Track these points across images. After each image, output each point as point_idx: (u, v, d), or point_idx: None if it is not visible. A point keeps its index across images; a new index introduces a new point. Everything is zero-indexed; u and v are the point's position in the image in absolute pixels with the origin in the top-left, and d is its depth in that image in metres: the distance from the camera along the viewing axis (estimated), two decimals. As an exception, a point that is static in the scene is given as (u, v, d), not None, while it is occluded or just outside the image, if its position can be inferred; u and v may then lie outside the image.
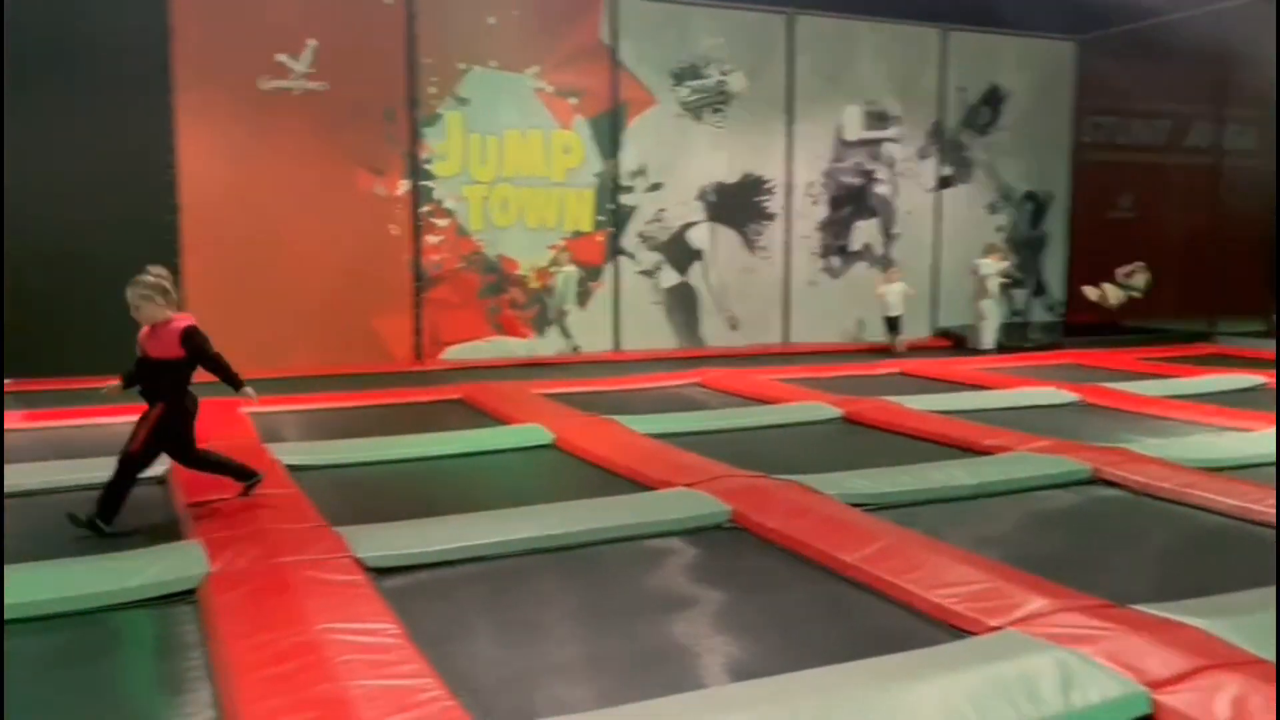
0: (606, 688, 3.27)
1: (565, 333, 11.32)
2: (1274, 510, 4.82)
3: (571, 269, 11.44)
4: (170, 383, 5.05)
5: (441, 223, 11.12)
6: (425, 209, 11.00)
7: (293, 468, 5.81)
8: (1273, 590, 3.61)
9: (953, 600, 3.69)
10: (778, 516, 4.73)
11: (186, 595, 3.88)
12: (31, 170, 9.48)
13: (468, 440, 6.83)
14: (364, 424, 7.54)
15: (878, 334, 12.68)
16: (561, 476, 6.13)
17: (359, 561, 4.05)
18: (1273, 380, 9.12)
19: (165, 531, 4.77)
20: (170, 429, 4.99)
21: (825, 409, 7.83)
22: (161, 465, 5.79)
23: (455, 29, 10.92)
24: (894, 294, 12.32)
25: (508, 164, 11.35)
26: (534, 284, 11.26)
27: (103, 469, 5.82)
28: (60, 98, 9.49)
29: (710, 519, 4.87)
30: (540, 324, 11.58)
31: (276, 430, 7.23)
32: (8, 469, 5.84)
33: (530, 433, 6.95)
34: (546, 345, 11.52)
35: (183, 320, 5.09)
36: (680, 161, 12.16)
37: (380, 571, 4.07)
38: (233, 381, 5.17)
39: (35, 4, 9.41)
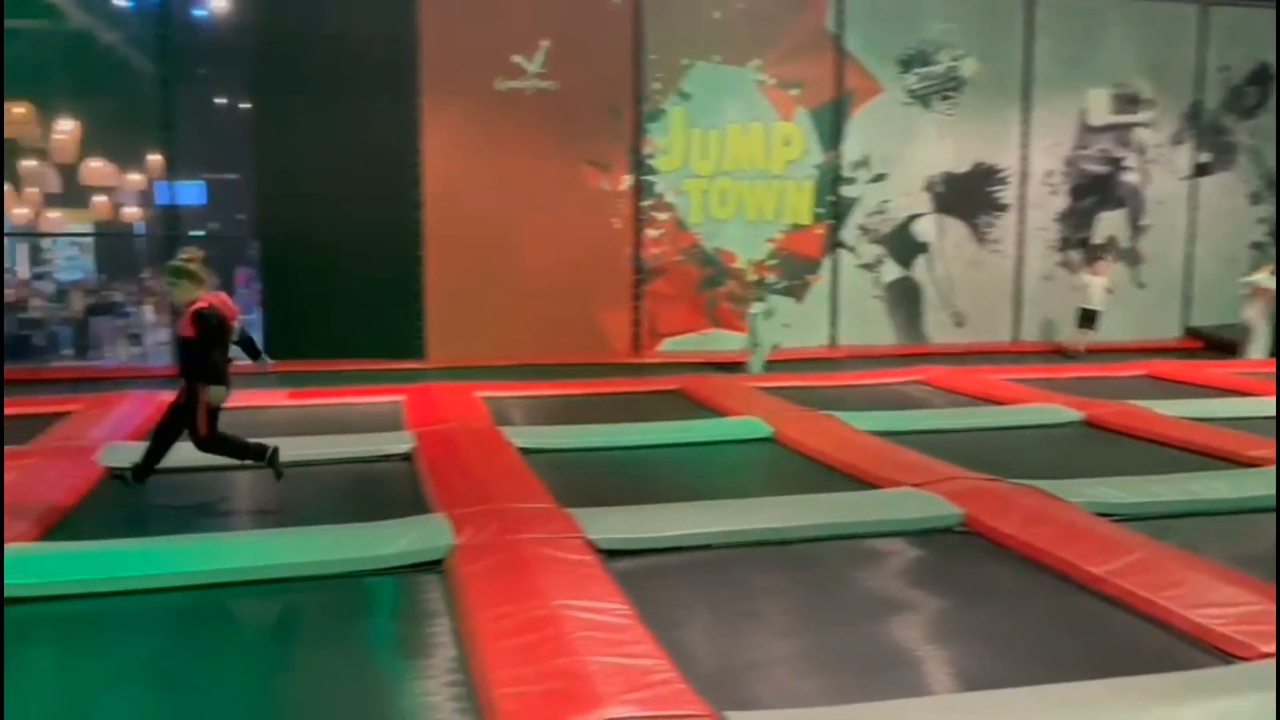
0: (833, 684, 3.23)
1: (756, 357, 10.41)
2: None
3: (767, 306, 10.57)
4: (191, 361, 5.13)
5: (662, 216, 11.29)
6: (647, 203, 11.21)
7: (523, 450, 6.06)
8: None
9: (1219, 622, 3.40)
10: (1015, 522, 4.51)
11: (432, 565, 4.13)
12: (290, 169, 10.38)
13: (687, 431, 6.92)
14: (586, 411, 7.78)
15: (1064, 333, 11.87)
16: (781, 470, 6.10)
17: (590, 543, 4.18)
18: None
19: (412, 504, 5.10)
20: (189, 410, 5.15)
21: (1063, 412, 7.38)
22: (407, 442, 6.23)
23: (680, 25, 11.05)
24: (1097, 287, 11.45)
25: (728, 157, 11.38)
26: (751, 277, 11.22)
27: (355, 444, 6.35)
28: (317, 102, 10.30)
29: (940, 521, 4.70)
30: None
31: (506, 414, 7.57)
32: (272, 441, 6.41)
33: (749, 426, 6.95)
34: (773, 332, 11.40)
35: (201, 301, 5.11)
36: (906, 151, 11.79)
37: (609, 553, 4.19)
38: (211, 377, 5.12)
39: (294, 15, 10.28)
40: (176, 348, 5.16)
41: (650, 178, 11.19)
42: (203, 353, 5.04)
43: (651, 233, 11.26)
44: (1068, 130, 12.22)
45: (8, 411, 7.33)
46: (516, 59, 10.67)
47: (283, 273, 10.62)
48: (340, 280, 10.32)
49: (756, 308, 10.43)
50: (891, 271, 11.95)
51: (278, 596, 4.00)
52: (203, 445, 5.23)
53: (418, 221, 10.59)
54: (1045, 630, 3.67)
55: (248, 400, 8.05)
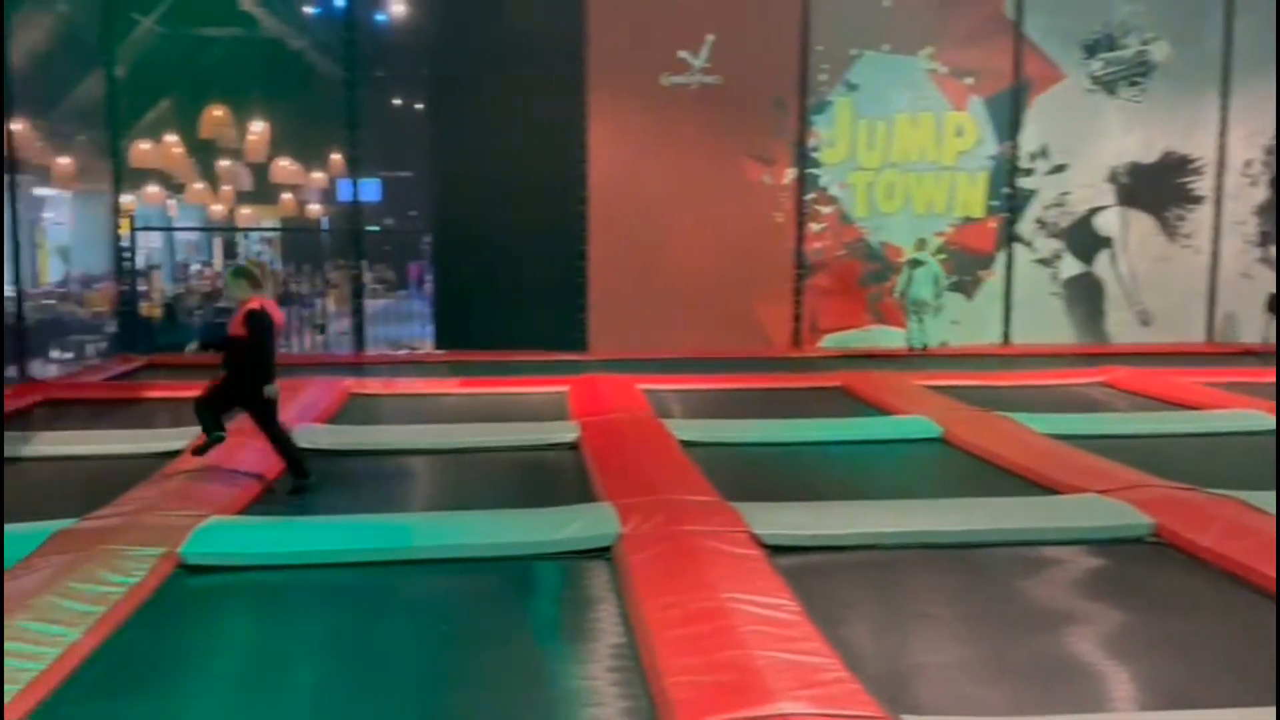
0: (1011, 694, 3.09)
1: (915, 330, 10.50)
2: None
3: (927, 262, 10.48)
4: (236, 358, 5.20)
5: (825, 210, 11.11)
6: (810, 196, 11.05)
7: (685, 443, 6.07)
8: None
9: None
10: (1214, 535, 4.20)
11: (599, 552, 4.19)
12: (463, 166, 10.74)
13: (852, 428, 6.77)
14: (747, 406, 7.74)
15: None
16: (952, 472, 5.89)
17: (755, 537, 4.15)
18: None
19: (578, 492, 5.20)
20: (228, 393, 5.22)
21: (1266, 419, 6.83)
22: (573, 431, 6.35)
23: (849, 14, 10.84)
24: None
25: (896, 149, 11.09)
26: (926, 241, 10.87)
27: (523, 432, 6.51)
28: (489, 101, 10.62)
29: (1128, 531, 4.43)
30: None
31: (667, 407, 7.61)
32: (447, 427, 6.67)
33: (917, 425, 6.75)
34: (928, 336, 11.11)
35: (253, 303, 5.19)
36: (1088, 141, 11.18)
37: (774, 549, 4.14)
38: (265, 375, 5.18)
39: (469, 19, 10.62)
40: (228, 344, 5.27)
41: (814, 171, 11.03)
42: (259, 352, 5.14)
43: (814, 226, 11.09)
44: (1270, 116, 11.31)
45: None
46: (682, 54, 10.71)
47: (454, 266, 11.04)
48: (507, 273, 10.63)
49: (919, 255, 10.20)
50: (1071, 267, 11.36)
51: (450, 576, 4.14)
52: (273, 441, 5.29)
53: (582, 216, 10.79)
54: (1242, 649, 3.40)
55: (423, 388, 8.45)
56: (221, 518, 4.42)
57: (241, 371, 5.18)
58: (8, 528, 4.21)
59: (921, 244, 10.70)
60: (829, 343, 11.14)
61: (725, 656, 2.95)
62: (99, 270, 24.55)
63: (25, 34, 18.28)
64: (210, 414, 5.20)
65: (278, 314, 5.44)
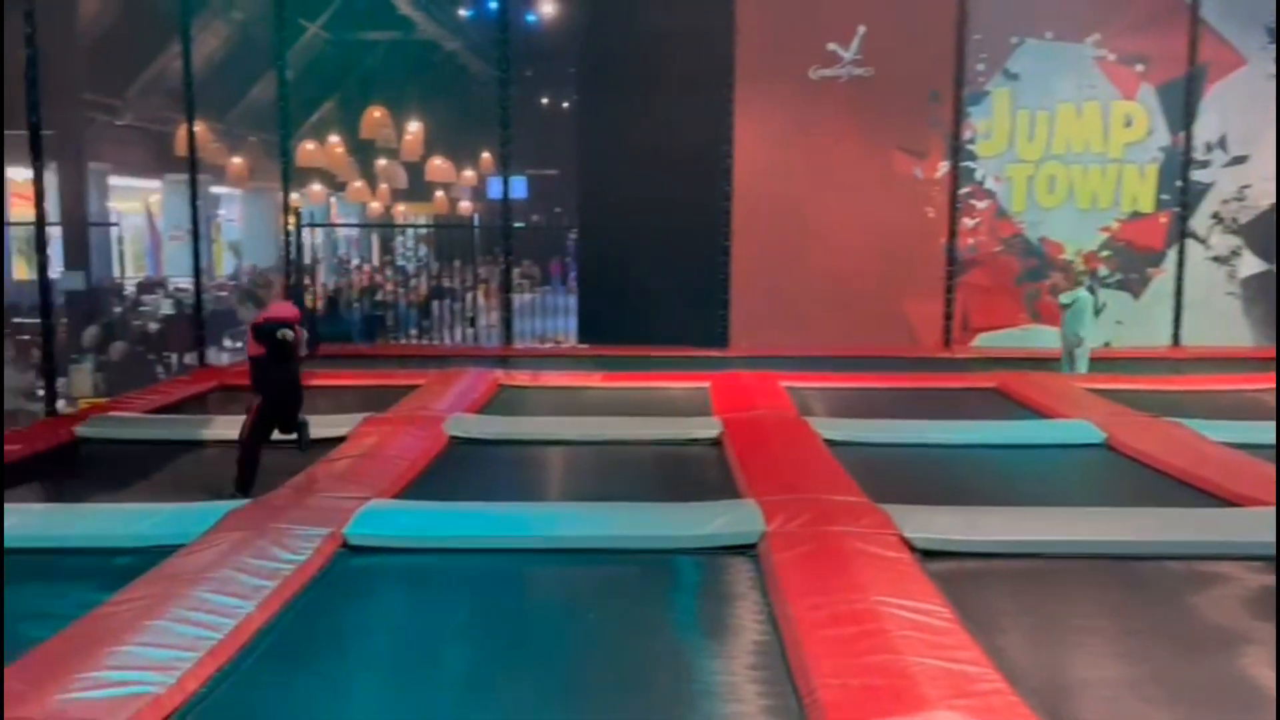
0: (1183, 719, 2.91)
1: (1065, 366, 9.09)
2: None
3: (1083, 294, 9.15)
4: (256, 373, 5.39)
5: (980, 204, 10.72)
6: (964, 190, 10.68)
7: (830, 441, 5.97)
8: None
9: None
10: None
11: (743, 549, 4.17)
12: (608, 163, 10.86)
13: (1007, 431, 6.52)
14: (894, 406, 7.53)
15: None
16: (1117, 480, 5.60)
17: (905, 540, 4.05)
18: None
19: (720, 488, 5.18)
20: (265, 415, 5.30)
21: None
22: (715, 427, 6.34)
23: (1009, 1, 10.42)
24: None
25: (1058, 140, 10.60)
26: (1080, 269, 10.38)
27: (665, 427, 6.54)
28: (636, 98, 10.69)
29: (1316, 548, 4.10)
30: (1083, 313, 10.67)
31: (811, 405, 7.50)
32: (591, 420, 6.76)
33: (1077, 429, 6.44)
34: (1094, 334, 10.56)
35: (257, 319, 5.36)
36: (1271, 131, 10.39)
37: (926, 553, 4.03)
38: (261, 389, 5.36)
39: (617, 16, 10.73)
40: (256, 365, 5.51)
41: (969, 164, 10.66)
42: (279, 354, 5.29)
43: (968, 221, 10.72)
44: None
45: (371, 382, 8.28)
46: (832, 47, 10.53)
47: (598, 262, 11.19)
48: (650, 269, 10.68)
49: (1065, 298, 9.11)
50: (1250, 265, 10.61)
51: (596, 566, 4.20)
52: (240, 443, 5.29)
53: (727, 212, 10.74)
54: None
55: (568, 381, 8.60)
56: (381, 501, 4.61)
57: (271, 384, 5.35)
58: (192, 505, 4.52)
59: (1075, 275, 9.90)
60: (982, 342, 10.76)
61: (876, 660, 2.88)
62: (267, 264, 26.05)
63: (204, 41, 19.55)
64: (251, 454, 5.23)
65: (285, 311, 5.49)
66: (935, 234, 10.75)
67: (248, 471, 5.16)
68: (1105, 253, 10.45)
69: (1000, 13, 10.42)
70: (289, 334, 5.24)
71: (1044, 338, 10.58)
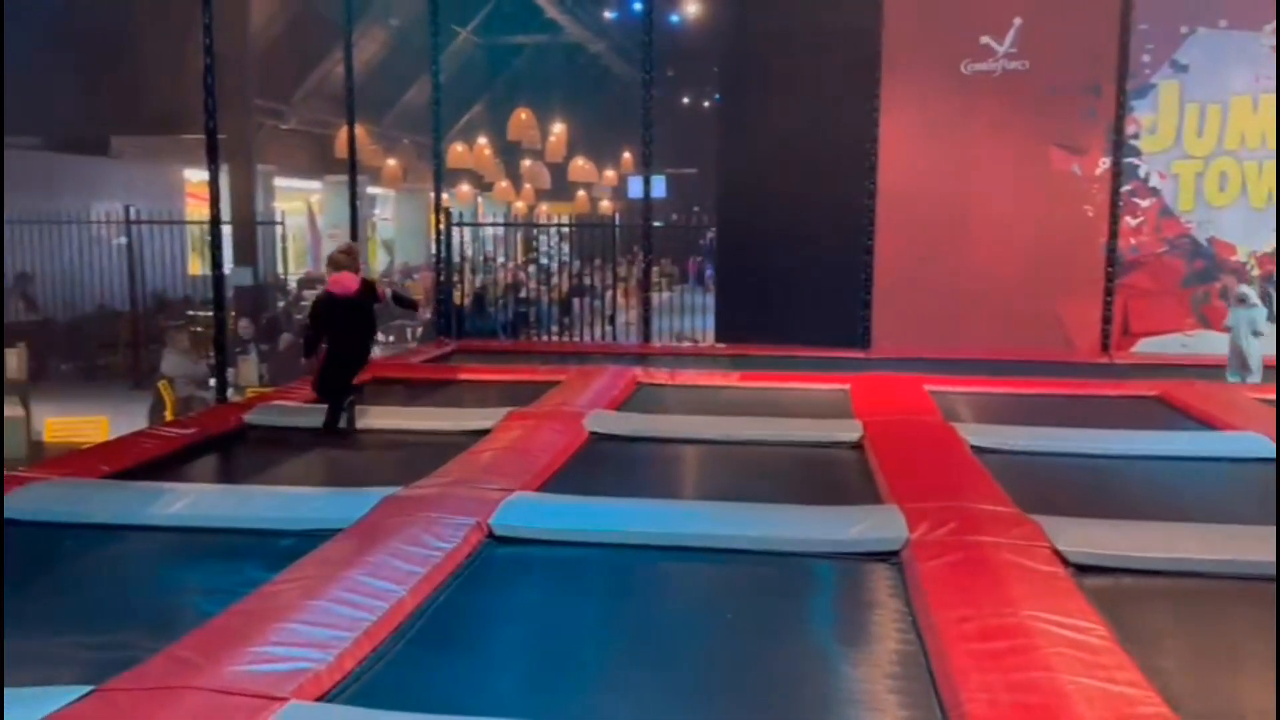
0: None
1: (1232, 375, 8.48)
2: None
3: (1257, 308, 8.53)
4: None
5: (1144, 203, 10.18)
6: (1126, 188, 10.16)
7: (977, 448, 5.79)
8: None
9: None
10: None
11: (883, 556, 4.08)
12: (749, 162, 10.81)
13: (1170, 442, 6.16)
14: (1047, 413, 7.23)
15: None
16: (1290, 497, 5.22)
17: (1059, 553, 3.88)
18: None
19: (861, 493, 5.10)
20: (326, 371, 6.32)
21: None
22: (855, 430, 6.24)
23: (1180, -12, 9.86)
24: None
25: (1230, 135, 9.96)
26: (1255, 271, 9.74)
27: (804, 428, 6.47)
28: (778, 96, 10.61)
29: None
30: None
31: (957, 410, 7.27)
32: (728, 419, 6.73)
33: (1248, 441, 6.04)
34: (1267, 342, 9.90)
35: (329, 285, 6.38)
36: None
37: (1081, 568, 3.86)
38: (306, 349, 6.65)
39: (760, 15, 10.68)
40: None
41: (1132, 160, 10.14)
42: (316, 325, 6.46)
43: (1130, 220, 10.20)
44: None
45: (514, 377, 8.50)
46: (985, 40, 10.19)
47: (736, 260, 11.15)
48: (790, 268, 10.59)
49: (1244, 289, 8.59)
50: None
51: (732, 566, 4.18)
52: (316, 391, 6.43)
53: (870, 210, 10.54)
54: None
55: (705, 380, 8.61)
56: (525, 493, 4.73)
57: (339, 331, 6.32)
58: (348, 490, 4.74)
59: (1250, 280, 9.25)
60: (1144, 348, 10.21)
61: (1028, 678, 2.78)
62: (417, 261, 27.09)
63: (363, 48, 20.46)
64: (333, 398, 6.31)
65: (346, 284, 6.29)
66: (1094, 233, 10.26)
67: (330, 415, 6.30)
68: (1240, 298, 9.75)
69: (1168, 1, 9.86)
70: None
71: (1211, 344, 9.98)
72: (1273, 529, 4.37)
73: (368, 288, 6.42)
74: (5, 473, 5.59)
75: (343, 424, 6.29)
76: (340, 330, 6.29)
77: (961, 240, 10.40)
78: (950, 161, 10.39)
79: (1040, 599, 3.35)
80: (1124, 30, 9.94)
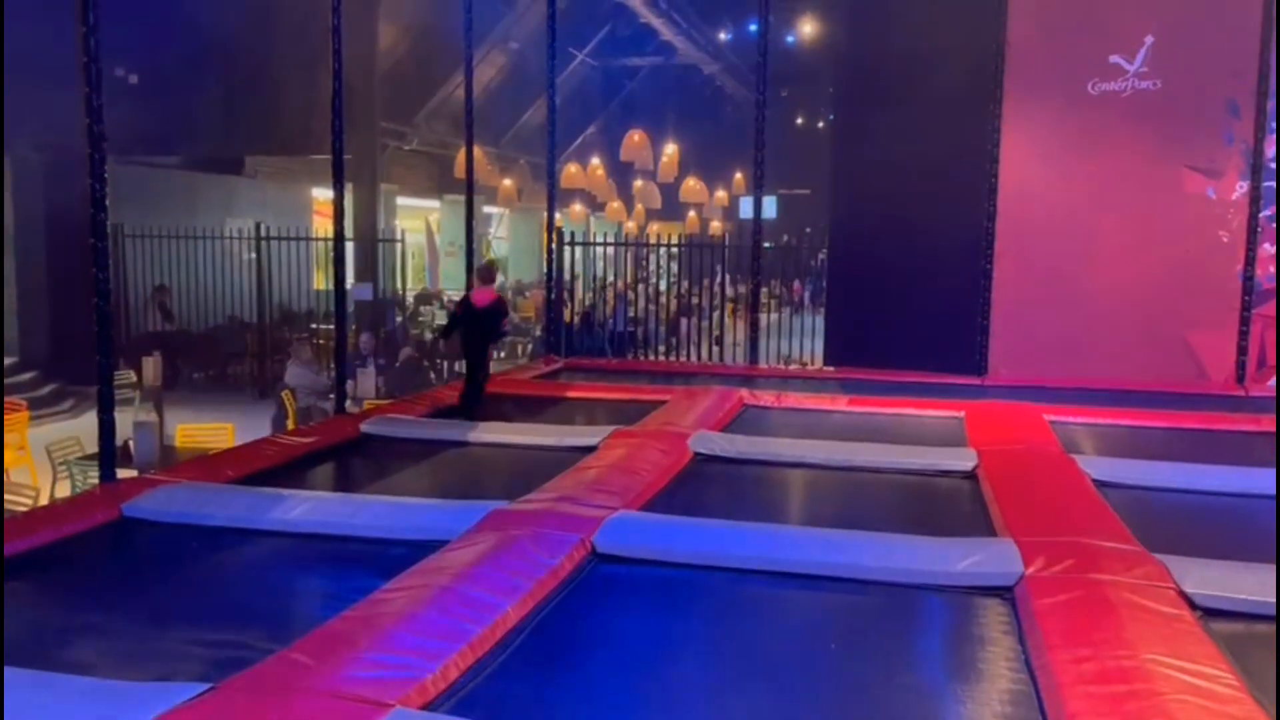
0: None
1: None
2: None
3: None
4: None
5: (1286, 229, 9.64)
6: (1265, 214, 9.64)
7: (1099, 482, 5.55)
8: None
9: None
10: None
11: (997, 591, 3.95)
12: (865, 182, 10.68)
13: (1307, 481, 5.79)
14: (1175, 447, 6.91)
15: None
16: None
17: (1184, 595, 3.69)
18: None
19: (974, 524, 4.94)
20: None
21: None
22: (970, 459, 6.06)
23: (1327, 2, 9.33)
24: None
25: (1384, 156, 9.35)
26: None
27: (915, 456, 6.31)
28: (896, 116, 10.42)
29: None
30: None
31: (1077, 441, 7.01)
32: (836, 444, 6.62)
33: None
34: None
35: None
36: None
37: (1209, 611, 3.66)
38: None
39: (878, 34, 10.55)
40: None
41: (1272, 184, 9.61)
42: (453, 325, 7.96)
43: (1268, 248, 9.66)
44: None
45: (621, 396, 8.55)
46: (1114, 59, 9.83)
47: (847, 282, 11.00)
48: (903, 291, 10.39)
49: None
50: None
51: (839, 594, 4.11)
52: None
53: (989, 232, 10.26)
54: None
55: (813, 403, 8.50)
56: (628, 512, 4.74)
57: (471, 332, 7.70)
58: (458, 503, 4.84)
59: None
60: (1281, 381, 9.65)
61: (1148, 724, 2.64)
62: (529, 279, 27.59)
63: (483, 71, 21.02)
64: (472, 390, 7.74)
65: (477, 297, 7.66)
66: (1230, 260, 9.75)
67: (468, 398, 7.64)
68: None
69: (1315, 15, 9.34)
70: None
71: (1360, 379, 9.37)
72: None
73: (499, 303, 7.86)
74: (140, 475, 5.91)
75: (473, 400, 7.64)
76: (468, 328, 7.70)
77: (1086, 265, 10.03)
78: (1075, 184, 10.04)
79: (1163, 642, 3.19)
80: (1264, 48, 9.45)
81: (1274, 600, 3.76)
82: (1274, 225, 9.65)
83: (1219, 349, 9.81)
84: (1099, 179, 9.96)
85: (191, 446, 8.71)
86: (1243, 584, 3.86)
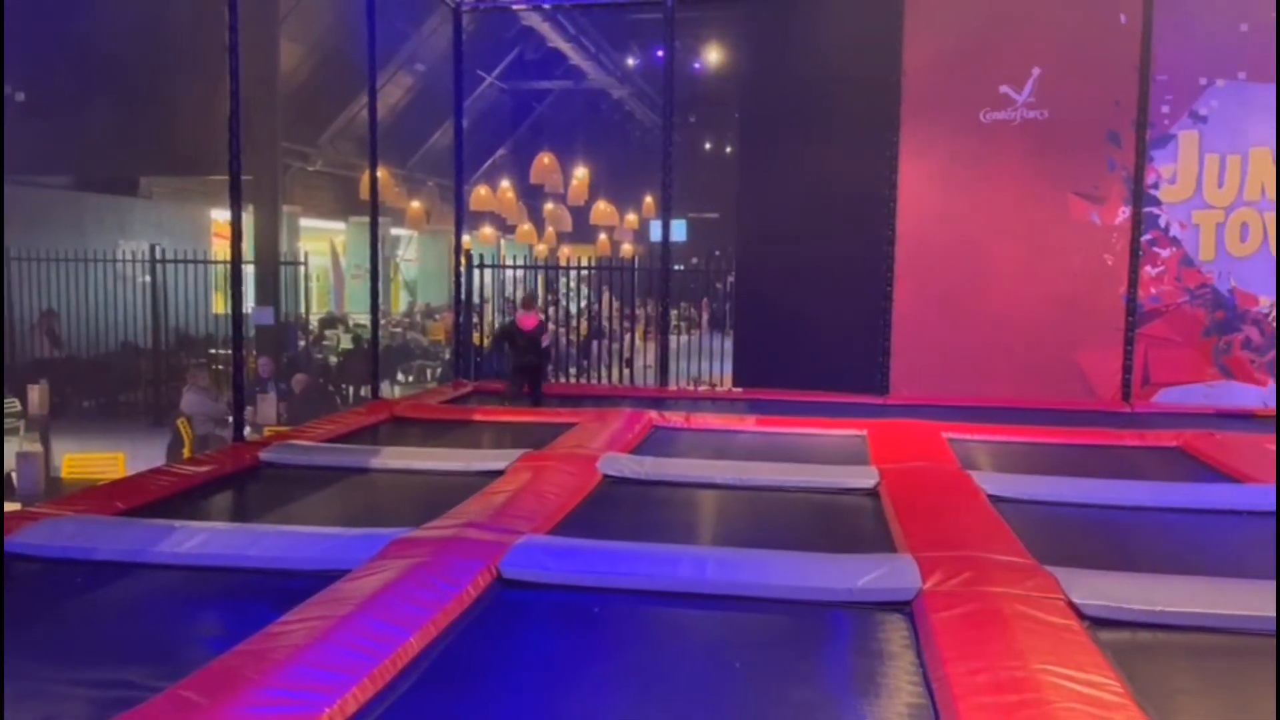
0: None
1: None
2: None
3: None
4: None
5: (1164, 253, 10.13)
6: (1146, 238, 10.13)
7: (994, 498, 5.73)
8: None
9: None
10: None
11: (896, 606, 4.03)
12: (769, 207, 10.91)
13: (1191, 494, 6.08)
14: (1066, 462, 7.18)
15: None
16: (1316, 552, 5.12)
17: (1074, 606, 3.82)
18: None
19: (875, 541, 5.05)
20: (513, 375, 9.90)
21: None
22: (871, 477, 6.19)
23: (1198, 40, 9.88)
24: None
25: (1251, 186, 9.92)
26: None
27: (819, 474, 6.42)
28: (797, 143, 10.71)
29: None
30: (1281, 370, 9.90)
31: (975, 458, 7.22)
32: (743, 464, 6.69)
33: (1270, 495, 5.93)
34: (1290, 394, 9.80)
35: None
36: None
37: (1097, 621, 3.79)
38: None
39: (779, 63, 10.80)
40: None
41: (1152, 210, 10.11)
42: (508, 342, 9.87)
43: (1150, 270, 10.15)
44: None
45: (530, 419, 8.51)
46: (1004, 89, 10.24)
47: (755, 305, 11.17)
48: (808, 313, 10.61)
49: None
50: None
51: (742, 613, 4.14)
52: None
53: (889, 256, 10.55)
54: None
55: (721, 424, 8.59)
56: (535, 536, 4.71)
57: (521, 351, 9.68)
58: (359, 531, 4.74)
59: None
60: (1165, 398, 10.12)
61: (1038, 733, 2.73)
62: (439, 302, 27.28)
63: (389, 92, 20.81)
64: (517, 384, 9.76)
65: (524, 322, 9.68)
66: (1114, 282, 10.22)
67: (510, 392, 9.73)
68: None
69: (1188, 53, 9.89)
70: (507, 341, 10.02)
71: (1234, 395, 9.89)
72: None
73: (541, 326, 9.78)
74: (23, 509, 5.64)
75: (520, 401, 9.49)
76: (519, 349, 9.67)
77: (981, 287, 10.38)
78: (970, 209, 10.41)
79: (1053, 653, 3.30)
80: (1143, 80, 9.97)
81: (1159, 609, 3.93)
82: (1155, 249, 10.14)
83: (1106, 368, 10.25)
84: (992, 204, 10.35)
85: (79, 477, 8.35)
86: (1128, 594, 4.01)
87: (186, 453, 9.65)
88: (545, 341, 9.91)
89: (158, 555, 4.51)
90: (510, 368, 9.90)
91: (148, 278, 15.52)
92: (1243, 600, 4.00)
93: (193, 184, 18.73)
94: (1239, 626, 3.85)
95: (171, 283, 15.22)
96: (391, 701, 3.18)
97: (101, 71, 15.50)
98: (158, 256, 15.18)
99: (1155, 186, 10.10)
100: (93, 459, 8.89)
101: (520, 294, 12.85)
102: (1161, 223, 10.11)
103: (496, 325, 14.81)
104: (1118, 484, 6.26)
